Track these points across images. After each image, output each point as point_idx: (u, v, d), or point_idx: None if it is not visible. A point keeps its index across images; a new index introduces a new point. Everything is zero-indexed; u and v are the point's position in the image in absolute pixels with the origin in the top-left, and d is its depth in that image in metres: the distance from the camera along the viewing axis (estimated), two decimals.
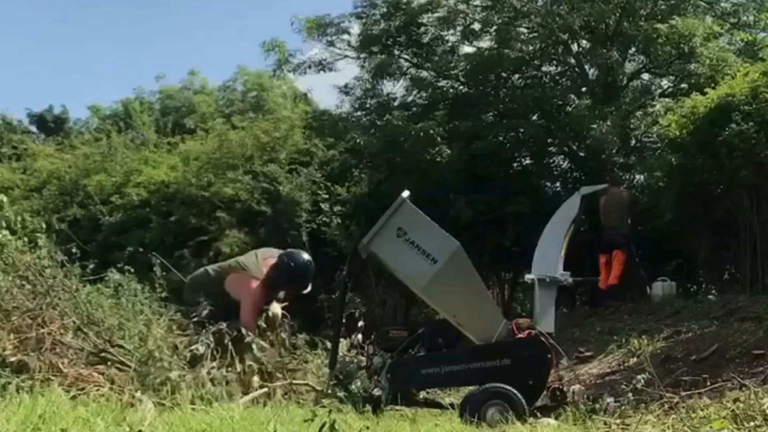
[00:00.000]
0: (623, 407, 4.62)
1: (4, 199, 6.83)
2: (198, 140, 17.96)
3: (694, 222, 10.87)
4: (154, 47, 50.59)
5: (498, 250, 13.20)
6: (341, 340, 5.95)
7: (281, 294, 6.57)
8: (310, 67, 15.98)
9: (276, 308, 6.46)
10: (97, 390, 4.17)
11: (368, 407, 4.82)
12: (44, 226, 6.90)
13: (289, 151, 15.80)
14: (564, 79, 15.34)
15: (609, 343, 8.27)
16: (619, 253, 10.85)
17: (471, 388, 4.99)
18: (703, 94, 10.45)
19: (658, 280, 11.17)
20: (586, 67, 14.76)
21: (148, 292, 6.67)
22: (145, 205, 15.83)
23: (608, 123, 12.31)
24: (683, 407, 4.34)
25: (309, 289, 6.74)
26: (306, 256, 6.72)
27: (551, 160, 15.34)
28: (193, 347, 5.46)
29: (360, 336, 6.85)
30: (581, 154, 14.27)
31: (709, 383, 5.06)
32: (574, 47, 14.83)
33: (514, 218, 12.85)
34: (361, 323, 7.37)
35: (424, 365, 5.09)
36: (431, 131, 13.14)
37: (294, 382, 5.91)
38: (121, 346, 5.17)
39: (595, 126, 12.28)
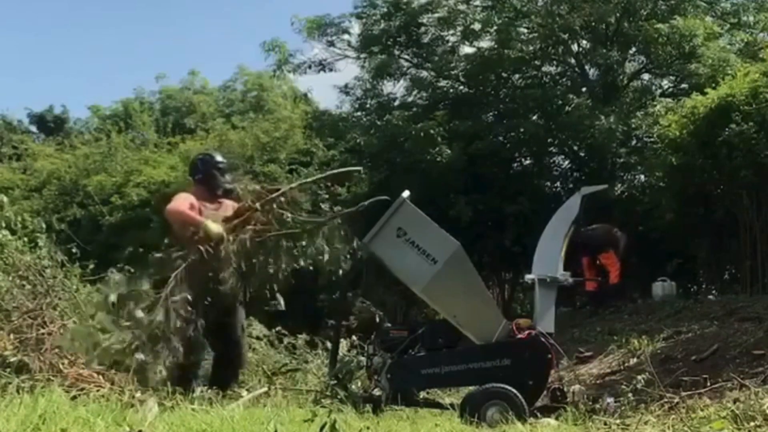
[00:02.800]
0: (623, 407, 4.62)
1: (4, 199, 6.82)
2: (198, 140, 18.00)
3: (695, 222, 10.88)
4: (154, 47, 50.67)
5: (498, 250, 13.21)
6: (341, 340, 5.93)
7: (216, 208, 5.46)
8: (310, 67, 16.03)
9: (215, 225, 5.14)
10: (98, 390, 4.16)
11: (368, 407, 4.82)
12: (44, 226, 6.90)
13: (289, 151, 15.84)
14: (564, 79, 15.37)
15: (609, 343, 8.27)
16: (608, 254, 10.89)
17: (471, 388, 4.99)
18: (704, 94, 10.45)
19: (658, 280, 11.19)
20: (586, 67, 14.79)
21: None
22: (145, 205, 15.85)
23: (611, 119, 12.36)
24: (683, 407, 4.33)
25: (231, 186, 5.62)
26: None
27: (551, 160, 15.37)
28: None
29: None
30: (581, 154, 14.30)
31: (709, 383, 5.06)
32: (574, 47, 14.85)
33: (514, 218, 12.86)
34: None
35: (424, 365, 5.08)
36: (431, 131, 13.16)
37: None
38: None
39: (599, 123, 12.31)
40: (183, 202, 5.34)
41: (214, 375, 5.18)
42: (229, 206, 5.48)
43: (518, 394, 4.62)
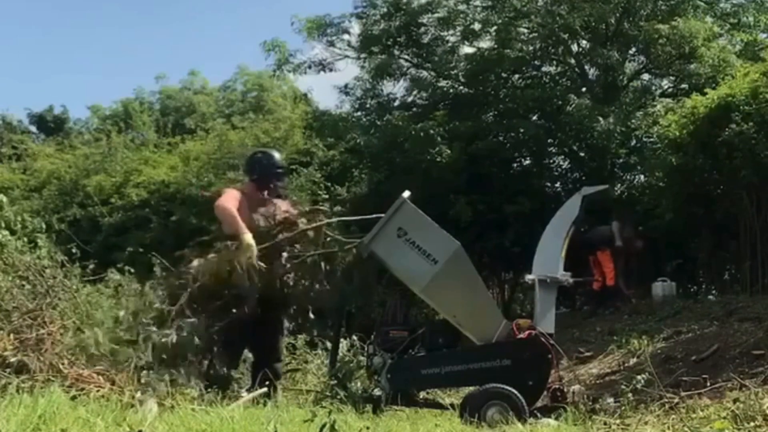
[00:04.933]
0: (623, 407, 4.62)
1: (4, 199, 6.84)
2: (198, 140, 18.02)
3: (695, 222, 10.87)
4: (154, 47, 50.67)
5: (498, 250, 13.19)
6: (341, 340, 5.94)
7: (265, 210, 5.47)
8: (310, 67, 15.98)
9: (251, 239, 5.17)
10: (98, 390, 4.16)
11: (368, 407, 4.82)
12: (44, 226, 6.92)
13: (289, 151, 15.84)
14: (564, 79, 15.35)
15: (609, 344, 8.27)
16: (603, 254, 10.92)
17: (471, 388, 4.99)
18: (704, 94, 10.45)
19: (658, 280, 11.20)
20: (586, 67, 14.77)
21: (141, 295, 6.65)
22: (145, 206, 15.85)
23: (610, 120, 12.37)
24: (683, 407, 4.34)
25: (282, 189, 5.70)
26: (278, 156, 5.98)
27: (551, 160, 15.35)
28: None
29: None
30: (581, 154, 14.28)
31: (709, 383, 5.07)
32: (574, 47, 14.84)
33: (514, 218, 12.85)
34: None
35: (424, 365, 5.09)
36: (431, 131, 13.15)
37: None
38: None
39: (599, 122, 12.32)
40: (233, 201, 5.42)
41: (253, 378, 5.32)
42: (280, 207, 5.56)
43: (518, 395, 4.62)
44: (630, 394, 4.67)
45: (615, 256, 11.09)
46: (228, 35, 51.65)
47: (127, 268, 7.60)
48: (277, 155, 5.95)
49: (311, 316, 5.57)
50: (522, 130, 14.01)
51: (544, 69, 15.47)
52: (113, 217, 15.88)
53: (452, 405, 4.86)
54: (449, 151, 13.07)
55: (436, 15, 15.11)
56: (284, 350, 5.90)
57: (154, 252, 7.10)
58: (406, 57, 15.60)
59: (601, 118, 12.46)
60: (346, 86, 16.08)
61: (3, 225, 6.33)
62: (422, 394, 5.25)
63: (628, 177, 14.28)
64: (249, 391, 5.02)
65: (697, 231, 11.03)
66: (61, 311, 5.16)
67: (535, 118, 14.42)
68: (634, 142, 13.69)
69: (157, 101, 26.47)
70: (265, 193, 5.60)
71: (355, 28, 15.76)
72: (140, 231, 14.90)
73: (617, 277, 11.09)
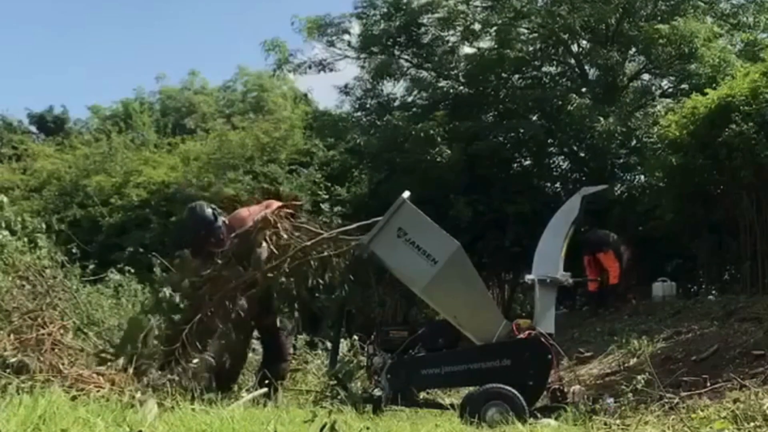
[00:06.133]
0: (623, 408, 4.62)
1: (4, 199, 6.83)
2: (198, 141, 18.01)
3: (695, 222, 10.88)
4: (154, 47, 50.59)
5: (498, 250, 13.20)
6: (341, 340, 5.94)
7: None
8: (310, 67, 16.00)
9: None
10: (98, 390, 4.16)
11: (368, 407, 4.82)
12: (44, 226, 6.91)
13: (289, 151, 15.86)
14: (564, 80, 15.37)
15: (609, 344, 8.28)
16: (606, 254, 10.91)
17: (471, 388, 4.99)
18: (704, 94, 10.45)
19: (658, 280, 11.21)
20: (586, 67, 14.79)
21: (148, 293, 6.67)
22: (145, 206, 15.85)
23: (611, 120, 12.37)
24: (683, 407, 4.34)
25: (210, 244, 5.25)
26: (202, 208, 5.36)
27: (551, 161, 15.38)
28: None
29: None
30: (581, 154, 14.30)
31: (709, 383, 5.07)
32: (574, 47, 14.86)
33: (514, 218, 12.87)
34: None
35: (424, 365, 5.09)
36: (431, 131, 13.17)
37: None
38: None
39: (599, 122, 12.32)
40: None
41: (260, 371, 5.34)
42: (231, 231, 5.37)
43: (518, 395, 4.62)
44: (630, 394, 4.68)
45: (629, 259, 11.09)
46: (228, 35, 51.59)
47: (127, 268, 7.62)
48: (191, 222, 5.48)
49: (298, 317, 5.56)
50: (522, 130, 14.03)
51: (544, 69, 15.49)
52: (113, 217, 15.87)
53: (452, 405, 4.86)
54: (449, 152, 13.08)
55: (436, 15, 15.12)
56: (291, 349, 5.87)
57: (154, 252, 7.11)
58: (406, 57, 15.61)
59: (601, 118, 12.48)
60: (346, 86, 16.12)
61: (3, 225, 6.32)
62: (422, 394, 5.24)
63: (628, 177, 14.31)
64: (249, 391, 5.02)
65: (697, 231, 11.03)
66: (61, 311, 5.16)
67: (535, 118, 14.44)
68: (634, 142, 13.70)
69: (157, 101, 26.45)
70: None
71: (355, 28, 15.79)
72: (140, 231, 14.89)
73: (623, 278, 11.10)
